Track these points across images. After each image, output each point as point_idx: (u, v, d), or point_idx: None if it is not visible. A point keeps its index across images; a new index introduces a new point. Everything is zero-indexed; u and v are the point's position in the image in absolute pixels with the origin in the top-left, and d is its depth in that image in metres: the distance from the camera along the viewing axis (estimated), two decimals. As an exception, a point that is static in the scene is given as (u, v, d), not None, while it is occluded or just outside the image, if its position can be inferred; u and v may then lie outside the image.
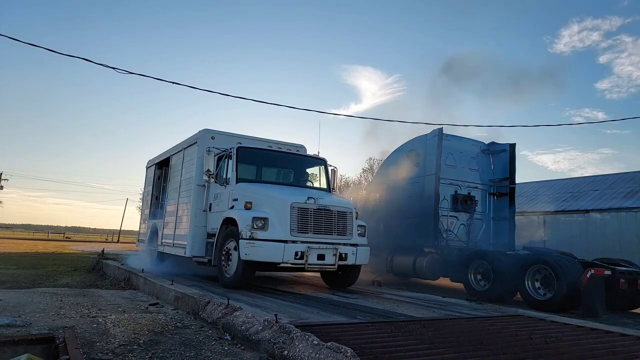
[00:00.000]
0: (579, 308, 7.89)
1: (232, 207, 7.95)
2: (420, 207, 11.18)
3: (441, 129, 11.33)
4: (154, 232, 11.87)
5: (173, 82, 10.79)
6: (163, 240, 10.84)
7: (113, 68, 9.66)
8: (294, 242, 7.11)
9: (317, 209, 7.38)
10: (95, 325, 4.74)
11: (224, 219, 7.87)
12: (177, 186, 10.46)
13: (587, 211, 17.56)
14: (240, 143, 8.87)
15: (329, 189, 9.20)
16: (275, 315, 4.37)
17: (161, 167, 12.68)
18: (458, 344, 3.97)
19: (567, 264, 8.31)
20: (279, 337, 3.75)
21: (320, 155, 9.53)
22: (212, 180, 8.55)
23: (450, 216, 11.35)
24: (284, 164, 9.58)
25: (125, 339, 4.17)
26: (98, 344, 3.98)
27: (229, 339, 4.33)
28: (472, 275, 9.99)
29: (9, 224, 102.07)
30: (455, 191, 11.51)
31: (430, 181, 11.06)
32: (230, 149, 8.57)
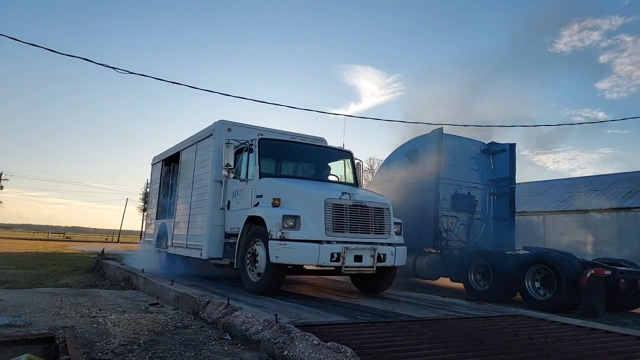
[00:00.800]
0: (579, 308, 7.90)
1: (256, 205, 7.31)
2: (420, 207, 11.16)
3: (441, 128, 11.33)
4: (163, 233, 11.25)
5: (173, 82, 10.79)
6: (174, 241, 10.25)
7: (113, 68, 9.66)
8: (329, 242, 6.41)
9: (353, 206, 6.70)
10: (95, 325, 4.74)
11: (247, 218, 7.24)
12: (189, 183, 9.81)
13: (587, 211, 17.55)
14: (262, 134, 8.24)
15: (357, 184, 8.62)
16: (275, 315, 4.37)
17: (169, 164, 12.07)
18: (458, 344, 3.97)
19: (567, 264, 8.31)
20: (279, 337, 3.75)
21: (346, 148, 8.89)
22: (232, 175, 7.82)
23: (450, 216, 11.34)
24: (308, 158, 8.80)
25: (125, 339, 4.17)
26: (98, 344, 3.98)
27: (229, 339, 4.33)
28: (472, 275, 10.01)
29: (9, 224, 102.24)
30: (455, 191, 11.50)
31: (430, 181, 11.05)
32: (252, 140, 7.91)
